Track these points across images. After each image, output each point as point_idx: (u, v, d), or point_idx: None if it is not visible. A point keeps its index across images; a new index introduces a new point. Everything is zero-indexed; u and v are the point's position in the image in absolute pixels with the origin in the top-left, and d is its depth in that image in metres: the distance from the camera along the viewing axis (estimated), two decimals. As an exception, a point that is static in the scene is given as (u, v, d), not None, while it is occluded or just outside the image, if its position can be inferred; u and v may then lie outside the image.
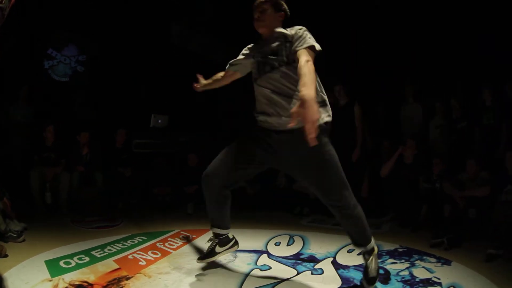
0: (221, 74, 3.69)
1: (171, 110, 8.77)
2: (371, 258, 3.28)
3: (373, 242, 3.33)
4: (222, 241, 3.58)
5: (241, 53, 3.45)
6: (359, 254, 3.42)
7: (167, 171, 7.45)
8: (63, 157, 6.58)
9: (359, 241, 3.30)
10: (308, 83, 2.51)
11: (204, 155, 7.33)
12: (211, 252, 3.60)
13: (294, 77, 2.92)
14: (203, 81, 3.82)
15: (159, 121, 8.53)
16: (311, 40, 2.93)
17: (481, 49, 6.90)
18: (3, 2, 2.24)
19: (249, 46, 3.43)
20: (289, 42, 2.99)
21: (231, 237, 3.65)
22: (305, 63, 2.70)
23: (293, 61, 2.94)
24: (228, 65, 3.55)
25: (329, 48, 8.07)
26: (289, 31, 3.06)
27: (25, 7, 4.05)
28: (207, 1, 8.84)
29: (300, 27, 3.05)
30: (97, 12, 8.26)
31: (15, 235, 4.48)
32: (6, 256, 3.94)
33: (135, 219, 6.01)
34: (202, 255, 3.68)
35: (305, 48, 2.88)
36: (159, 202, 7.06)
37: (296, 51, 2.90)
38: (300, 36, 2.95)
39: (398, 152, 6.24)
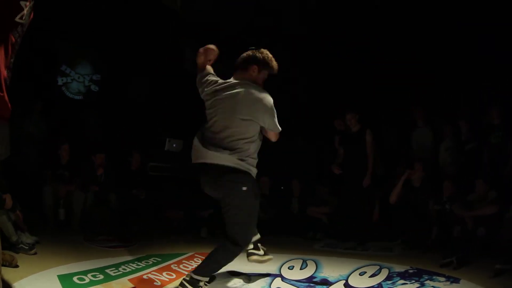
0: None
1: (187, 135, 8.67)
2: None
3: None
4: None
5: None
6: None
7: (180, 195, 7.31)
8: (77, 175, 6.48)
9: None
10: None
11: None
12: None
13: None
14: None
15: (174, 145, 8.44)
16: None
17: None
18: (24, 18, 2.25)
19: None
20: None
21: None
22: None
23: None
24: None
25: (339, 77, 8.03)
26: None
27: (40, 22, 4.13)
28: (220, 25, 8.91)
29: None
30: (112, 34, 8.32)
31: (27, 247, 4.38)
32: (17, 266, 3.82)
33: (149, 241, 5.89)
34: None
35: None
36: (172, 226, 6.93)
37: None
38: None
39: (404, 177, 6.24)
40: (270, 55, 3.41)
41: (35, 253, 4.40)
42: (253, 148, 3.30)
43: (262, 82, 3.39)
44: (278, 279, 4.21)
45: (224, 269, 4.39)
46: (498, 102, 6.34)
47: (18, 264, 3.85)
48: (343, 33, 8.29)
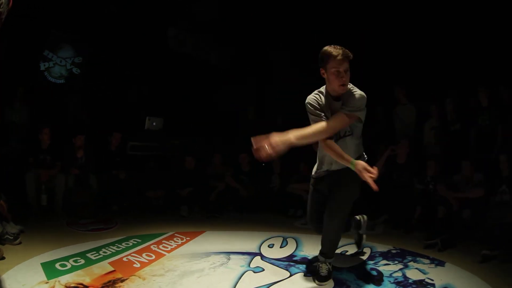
0: None
1: (166, 113, 8.76)
2: None
3: None
4: None
5: (314, 109, 3.42)
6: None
7: (161, 174, 7.43)
8: (58, 159, 6.56)
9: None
10: (301, 131, 3.10)
11: (200, 158, 7.39)
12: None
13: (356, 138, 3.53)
14: None
15: (154, 123, 8.48)
16: (358, 110, 3.30)
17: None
18: (2, 6, 2.27)
19: (317, 102, 3.44)
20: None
21: None
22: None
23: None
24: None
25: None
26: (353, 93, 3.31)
27: (22, 8, 4.13)
28: (203, 4, 8.85)
29: (362, 93, 3.34)
30: (93, 14, 8.27)
31: (12, 238, 4.48)
32: (3, 258, 3.94)
33: (130, 222, 6.02)
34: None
35: (345, 112, 3.23)
36: (153, 205, 7.03)
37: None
38: (353, 100, 3.27)
39: (388, 152, 6.28)
40: (326, 48, 3.21)
41: (20, 243, 4.49)
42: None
43: (336, 77, 3.22)
44: (258, 258, 4.29)
45: (204, 248, 4.59)
46: (486, 84, 6.35)
47: (4, 256, 3.96)
48: (328, 9, 8.32)
